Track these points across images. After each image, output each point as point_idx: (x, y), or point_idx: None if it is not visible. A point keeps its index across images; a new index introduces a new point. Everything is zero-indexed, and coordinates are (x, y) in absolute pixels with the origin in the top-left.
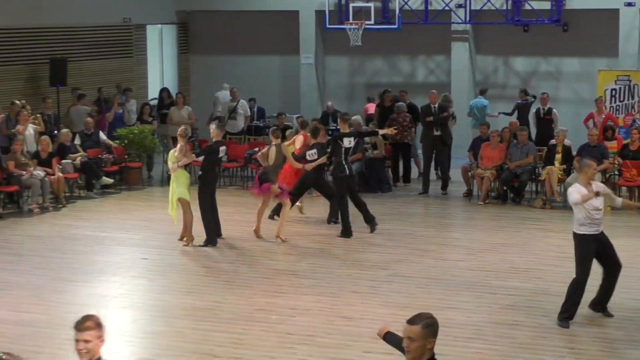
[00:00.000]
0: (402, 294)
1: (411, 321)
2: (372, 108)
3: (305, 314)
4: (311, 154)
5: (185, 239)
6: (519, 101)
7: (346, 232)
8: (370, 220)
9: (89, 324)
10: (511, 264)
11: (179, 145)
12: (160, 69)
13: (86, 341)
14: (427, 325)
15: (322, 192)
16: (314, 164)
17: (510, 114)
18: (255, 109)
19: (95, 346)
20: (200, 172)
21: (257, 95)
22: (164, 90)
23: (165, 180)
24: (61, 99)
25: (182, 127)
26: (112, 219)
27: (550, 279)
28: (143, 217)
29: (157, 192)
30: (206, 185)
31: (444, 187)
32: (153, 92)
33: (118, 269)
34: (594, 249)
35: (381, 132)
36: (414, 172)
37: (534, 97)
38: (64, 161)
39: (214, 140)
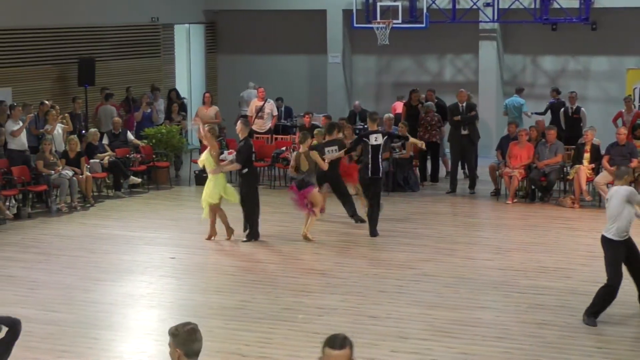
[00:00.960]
0: (430, 293)
1: (338, 346)
2: (399, 107)
3: (332, 313)
4: (331, 150)
5: (211, 237)
6: (552, 100)
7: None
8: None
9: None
10: (539, 263)
11: (209, 146)
12: (187, 68)
13: None
14: (351, 344)
15: (336, 190)
16: (332, 156)
17: (543, 114)
18: (282, 108)
19: None
20: (244, 171)
21: (285, 95)
22: (172, 91)
23: (193, 180)
24: (89, 99)
25: (210, 126)
26: (140, 218)
27: (578, 278)
28: (171, 217)
29: (185, 191)
30: (253, 182)
31: (472, 186)
32: (181, 92)
33: (146, 268)
34: (623, 252)
35: (412, 140)
36: (442, 172)
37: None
38: (92, 161)
39: (241, 137)
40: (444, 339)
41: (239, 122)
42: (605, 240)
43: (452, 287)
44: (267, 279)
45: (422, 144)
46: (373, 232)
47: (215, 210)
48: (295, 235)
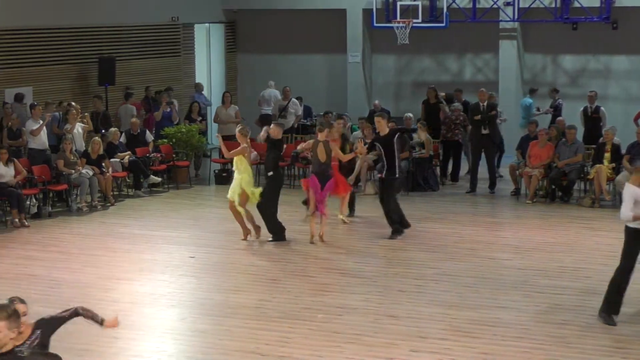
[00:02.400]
0: (449, 292)
1: None
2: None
3: (351, 313)
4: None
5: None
6: (559, 101)
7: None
8: (397, 229)
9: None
10: (559, 263)
11: (241, 147)
12: (207, 67)
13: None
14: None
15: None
16: (349, 156)
17: (551, 111)
18: (302, 108)
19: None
20: (271, 172)
21: (304, 94)
22: (194, 103)
23: (213, 179)
24: (109, 98)
25: (241, 126)
26: (160, 217)
27: (598, 278)
28: (190, 216)
29: (205, 190)
30: (278, 183)
31: (491, 185)
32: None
33: (166, 267)
34: None
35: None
36: (463, 171)
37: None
38: (112, 160)
39: (276, 139)
40: (463, 339)
41: (274, 125)
42: (626, 229)
43: (471, 287)
44: (286, 278)
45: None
46: (394, 231)
47: (233, 208)
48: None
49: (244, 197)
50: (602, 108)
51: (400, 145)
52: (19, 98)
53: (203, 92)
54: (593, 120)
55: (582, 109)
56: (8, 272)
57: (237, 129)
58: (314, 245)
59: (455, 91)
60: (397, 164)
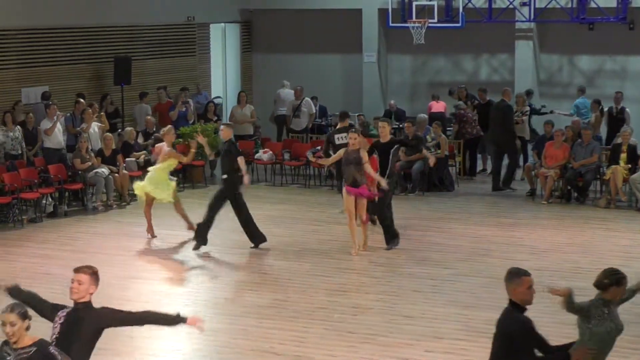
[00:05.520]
0: (465, 293)
1: None
2: (435, 106)
3: (366, 313)
4: (340, 137)
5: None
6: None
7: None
8: (393, 237)
9: (85, 269)
10: (575, 264)
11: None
12: (223, 67)
13: (79, 282)
14: None
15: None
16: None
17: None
18: (317, 108)
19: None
20: (225, 175)
21: (319, 94)
22: (210, 103)
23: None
24: (125, 97)
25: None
26: (175, 216)
27: None
28: None
29: None
30: (232, 187)
31: (504, 182)
32: (216, 91)
33: (181, 266)
34: None
35: (424, 153)
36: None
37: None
38: (127, 159)
39: (227, 140)
40: (479, 339)
41: (224, 126)
42: None
43: (487, 287)
44: (301, 278)
45: (433, 161)
46: (387, 241)
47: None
48: (330, 234)
49: (149, 196)
50: (627, 109)
51: (396, 158)
52: (45, 97)
53: (202, 93)
54: (617, 121)
55: (606, 109)
56: (24, 270)
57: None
58: (331, 244)
59: (478, 90)
60: (387, 173)
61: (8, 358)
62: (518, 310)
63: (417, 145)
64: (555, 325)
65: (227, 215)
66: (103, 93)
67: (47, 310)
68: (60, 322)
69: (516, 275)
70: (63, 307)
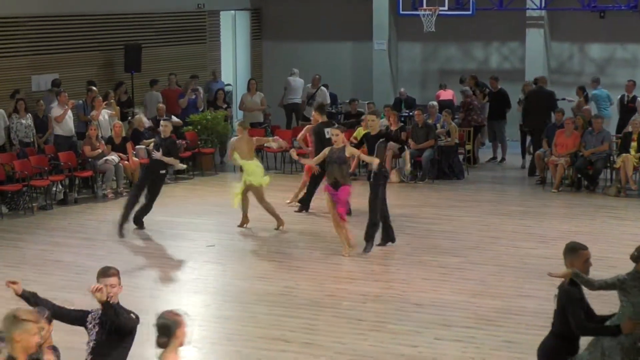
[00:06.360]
0: (474, 281)
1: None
2: (443, 94)
3: (376, 301)
4: (329, 131)
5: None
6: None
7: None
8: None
9: (114, 271)
10: None
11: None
12: (233, 55)
13: (112, 285)
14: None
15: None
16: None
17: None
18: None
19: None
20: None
21: (330, 82)
22: (219, 90)
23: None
24: (135, 85)
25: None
26: (185, 204)
27: (624, 267)
28: (216, 203)
29: (230, 177)
30: (158, 183)
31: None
32: (226, 78)
33: (191, 254)
34: None
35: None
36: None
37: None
38: (137, 147)
39: (166, 135)
40: (487, 327)
41: (165, 122)
42: None
43: (496, 275)
44: (311, 266)
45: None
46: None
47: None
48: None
49: (258, 190)
50: (639, 98)
51: (381, 151)
52: (56, 84)
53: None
54: (629, 109)
55: (619, 97)
56: (35, 257)
57: (237, 122)
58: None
59: (490, 78)
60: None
61: None
62: (573, 282)
63: (428, 133)
64: None
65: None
66: (114, 81)
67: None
68: (96, 325)
69: (574, 250)
70: (88, 312)
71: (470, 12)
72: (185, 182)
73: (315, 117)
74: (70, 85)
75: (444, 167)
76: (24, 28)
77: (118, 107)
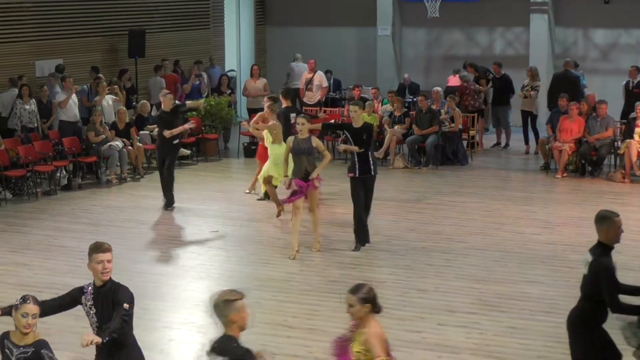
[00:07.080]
0: (477, 267)
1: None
2: (452, 80)
3: (379, 286)
4: (294, 117)
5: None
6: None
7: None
8: (362, 239)
9: (108, 246)
10: (588, 237)
11: (270, 123)
12: (237, 40)
13: (108, 261)
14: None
15: None
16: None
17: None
18: (331, 81)
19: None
20: (175, 142)
21: (334, 67)
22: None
23: (242, 152)
24: (139, 70)
25: (269, 102)
26: (189, 190)
27: (628, 253)
28: (219, 189)
29: (234, 163)
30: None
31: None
32: (230, 64)
33: (194, 239)
34: None
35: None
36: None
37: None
38: (141, 132)
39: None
40: (491, 313)
41: (164, 96)
42: None
43: (500, 261)
44: (314, 252)
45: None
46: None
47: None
48: (344, 207)
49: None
50: None
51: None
52: (59, 69)
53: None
54: (634, 95)
55: (623, 83)
56: (39, 243)
57: (266, 105)
58: (344, 217)
59: (493, 64)
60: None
61: (7, 351)
62: (606, 250)
63: (432, 119)
64: (564, 299)
65: (240, 188)
66: (118, 66)
67: (69, 300)
68: (92, 303)
69: (608, 218)
70: (81, 289)
71: None
72: (189, 168)
73: (269, 104)
74: (74, 71)
75: (448, 152)
76: (28, 13)
77: (124, 92)
